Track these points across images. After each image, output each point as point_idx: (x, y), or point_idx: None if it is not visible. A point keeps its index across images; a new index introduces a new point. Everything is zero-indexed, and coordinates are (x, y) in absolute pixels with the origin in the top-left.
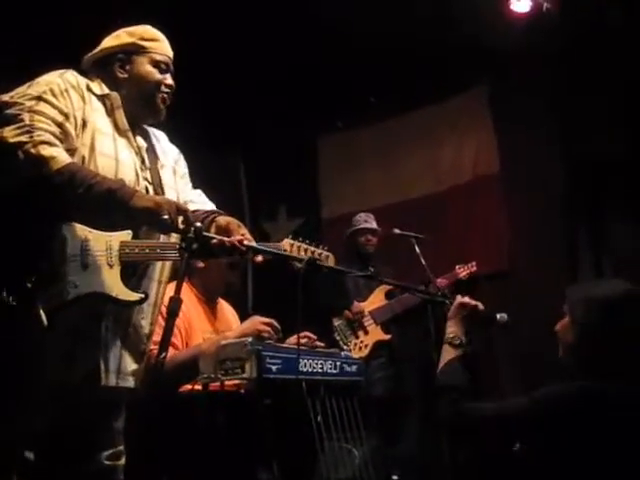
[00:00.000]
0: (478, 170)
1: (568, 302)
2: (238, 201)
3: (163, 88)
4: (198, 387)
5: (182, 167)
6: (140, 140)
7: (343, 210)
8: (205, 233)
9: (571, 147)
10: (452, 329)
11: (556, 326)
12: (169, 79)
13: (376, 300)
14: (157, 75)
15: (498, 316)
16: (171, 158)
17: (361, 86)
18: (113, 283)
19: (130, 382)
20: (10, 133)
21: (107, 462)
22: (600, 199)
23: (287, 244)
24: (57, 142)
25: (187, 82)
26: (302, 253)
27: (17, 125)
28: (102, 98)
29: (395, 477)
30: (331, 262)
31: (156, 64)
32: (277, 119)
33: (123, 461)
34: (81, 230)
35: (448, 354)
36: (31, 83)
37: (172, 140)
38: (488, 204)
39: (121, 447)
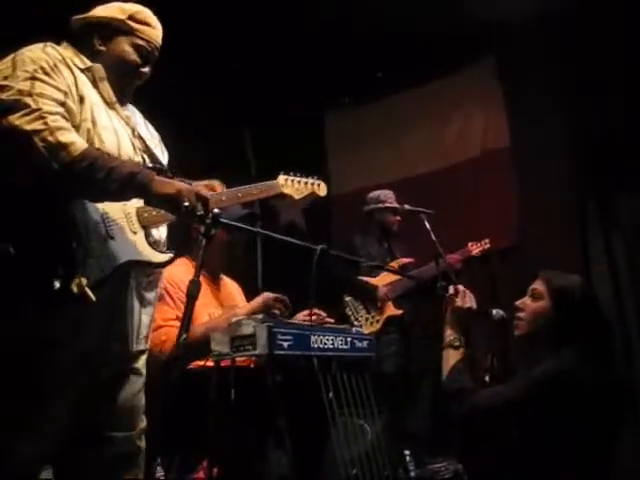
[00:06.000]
0: (487, 144)
1: (555, 285)
2: (247, 180)
3: (135, 73)
4: (210, 363)
5: (165, 156)
6: (125, 110)
7: (351, 186)
8: (222, 219)
9: (581, 120)
10: (450, 332)
11: (519, 303)
12: (146, 68)
13: (388, 275)
14: (134, 57)
15: (494, 312)
16: (157, 140)
17: (368, 62)
18: (142, 248)
19: (142, 345)
20: (21, 120)
21: (137, 442)
22: (609, 173)
23: (282, 179)
24: (69, 125)
25: (194, 60)
26: (296, 186)
27: (25, 111)
28: (84, 71)
29: (407, 452)
30: (324, 190)
31: (137, 47)
32: (284, 96)
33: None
34: (95, 205)
35: (451, 358)
36: (13, 62)
37: (179, 121)
38: (497, 179)
39: (143, 425)
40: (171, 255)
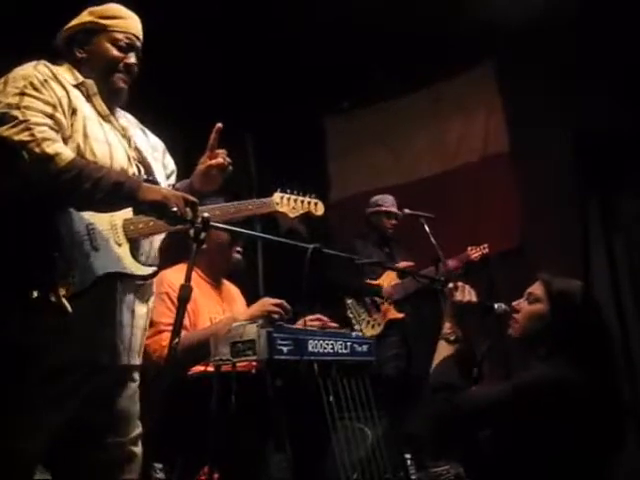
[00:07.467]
0: (488, 149)
1: (555, 289)
2: (248, 184)
3: (121, 67)
4: (210, 369)
5: (171, 164)
6: (122, 121)
7: (351, 191)
8: (212, 223)
9: (582, 123)
10: (447, 325)
11: (516, 305)
12: (131, 58)
13: (389, 279)
14: (114, 52)
15: (496, 306)
16: (159, 154)
17: (367, 65)
18: (126, 260)
19: (137, 360)
20: (9, 132)
21: (132, 448)
22: (612, 176)
23: (277, 197)
24: (57, 136)
25: (193, 65)
26: (292, 204)
27: (12, 123)
28: (77, 86)
29: (408, 456)
30: (321, 210)
31: (115, 42)
32: (284, 101)
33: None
34: (82, 215)
35: (443, 350)
36: (5, 79)
37: (181, 126)
38: (498, 182)
39: (139, 431)
40: (155, 268)
